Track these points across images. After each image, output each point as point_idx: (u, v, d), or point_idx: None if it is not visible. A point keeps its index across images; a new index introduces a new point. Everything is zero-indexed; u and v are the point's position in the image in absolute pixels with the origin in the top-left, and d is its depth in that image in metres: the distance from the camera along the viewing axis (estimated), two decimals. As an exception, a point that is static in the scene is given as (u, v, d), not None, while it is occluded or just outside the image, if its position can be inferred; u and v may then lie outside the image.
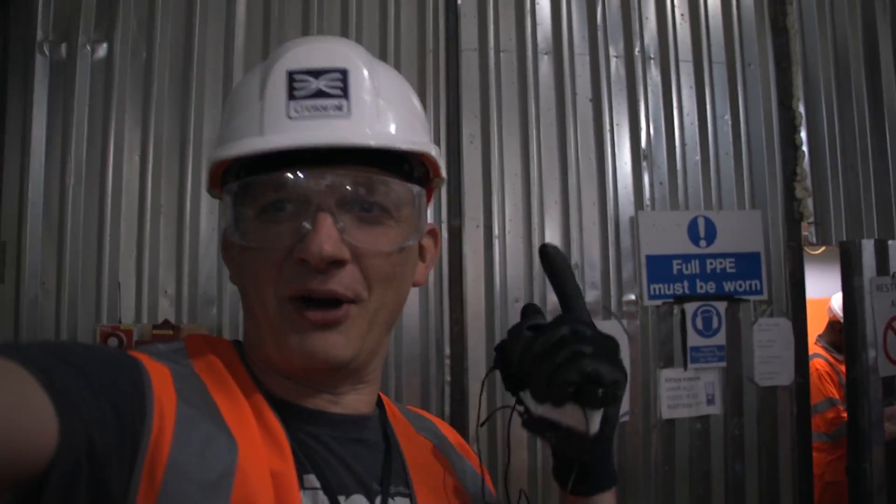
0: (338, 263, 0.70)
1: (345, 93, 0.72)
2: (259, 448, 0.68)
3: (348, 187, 0.71)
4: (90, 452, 0.57)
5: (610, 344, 0.73)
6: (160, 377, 0.68)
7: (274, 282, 0.72)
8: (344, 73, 0.73)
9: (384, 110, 0.74)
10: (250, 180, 0.72)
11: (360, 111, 0.72)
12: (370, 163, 0.73)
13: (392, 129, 0.74)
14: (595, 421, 0.71)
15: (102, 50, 2.68)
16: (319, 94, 0.72)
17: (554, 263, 0.80)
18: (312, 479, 0.71)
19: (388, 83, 0.76)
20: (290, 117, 0.71)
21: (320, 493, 0.70)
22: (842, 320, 4.16)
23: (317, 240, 0.69)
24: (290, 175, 0.70)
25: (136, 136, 2.66)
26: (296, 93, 0.72)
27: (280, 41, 2.76)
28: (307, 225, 0.70)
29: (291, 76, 0.72)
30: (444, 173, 0.81)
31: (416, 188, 0.76)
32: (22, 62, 2.62)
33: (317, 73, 0.72)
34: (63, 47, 2.65)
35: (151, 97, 2.69)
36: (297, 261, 0.70)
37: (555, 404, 0.72)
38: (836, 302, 4.32)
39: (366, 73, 0.74)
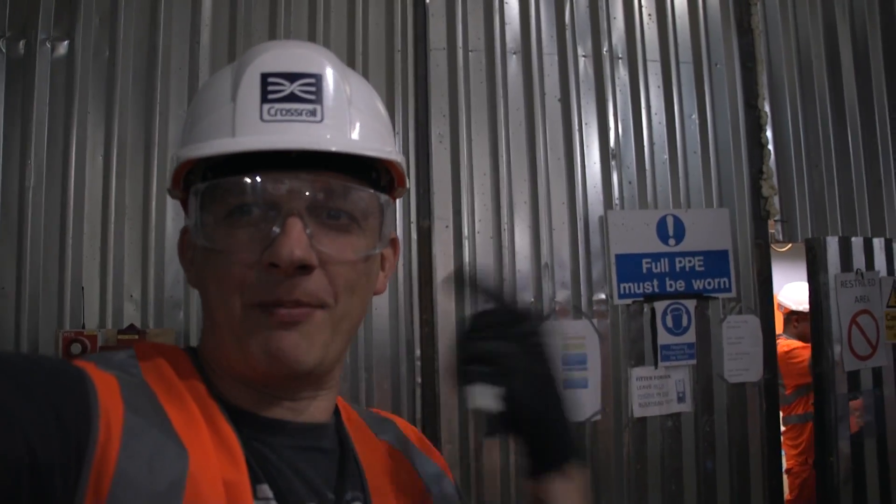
0: (306, 269, 0.70)
1: (318, 98, 0.72)
2: (211, 457, 0.66)
3: (319, 193, 0.71)
4: (32, 465, 0.56)
5: (513, 322, 0.81)
6: (106, 387, 0.66)
7: (240, 287, 0.71)
8: (318, 79, 0.73)
9: (355, 118, 0.74)
10: (220, 182, 0.71)
11: (332, 117, 0.72)
12: (340, 170, 0.73)
13: (363, 136, 0.74)
14: (476, 396, 0.77)
15: (63, 48, 2.62)
16: (293, 97, 0.71)
17: (465, 281, 0.90)
18: (266, 490, 0.70)
19: (359, 91, 0.77)
20: (262, 119, 0.70)
21: (273, 503, 0.70)
22: (793, 309, 4.30)
23: (287, 244, 0.68)
24: (261, 178, 0.70)
25: (99, 136, 2.61)
26: (269, 95, 0.71)
27: (247, 40, 2.73)
28: (276, 229, 0.69)
29: (265, 78, 0.72)
30: (408, 183, 0.82)
31: (383, 197, 0.76)
32: (-23, 60, 2.56)
33: (291, 77, 0.72)
34: (21, 44, 2.59)
35: (115, 96, 2.64)
36: (265, 265, 0.69)
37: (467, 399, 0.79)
38: (785, 294, 4.42)
39: (339, 80, 0.74)
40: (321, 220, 0.72)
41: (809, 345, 4.22)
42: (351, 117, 0.73)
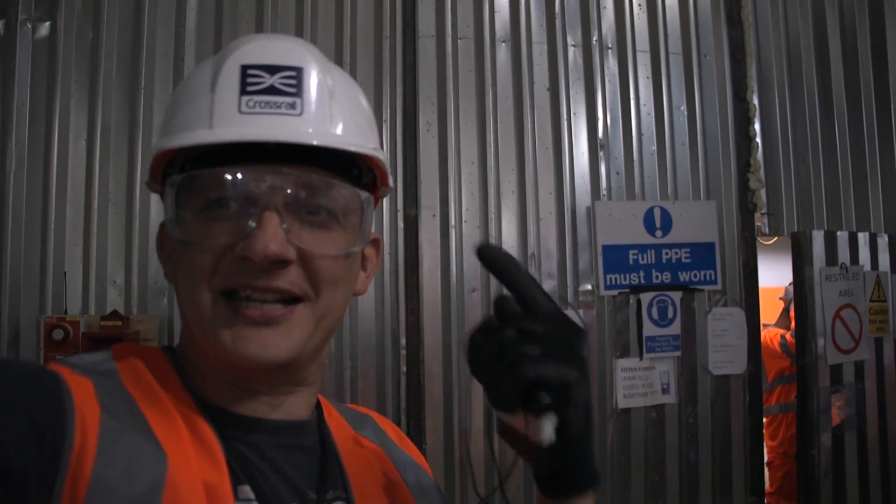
0: (282, 263, 0.69)
1: (298, 91, 0.70)
2: (191, 460, 0.65)
3: (297, 188, 0.70)
4: (6, 471, 0.55)
5: (566, 338, 0.67)
6: (82, 391, 0.65)
7: (209, 277, 0.69)
8: (298, 72, 0.71)
9: (336, 112, 0.73)
10: (195, 174, 0.70)
11: (312, 111, 0.71)
12: (320, 164, 0.71)
13: (344, 131, 0.73)
14: (547, 429, 0.66)
15: (45, 29, 2.58)
16: (272, 90, 0.70)
17: (495, 261, 0.70)
18: (247, 490, 0.69)
19: (341, 86, 0.75)
20: (241, 112, 0.69)
21: (255, 503, 0.69)
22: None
23: (262, 238, 0.67)
24: (237, 171, 0.68)
25: (82, 119, 2.58)
26: (249, 88, 0.70)
27: (233, 24, 2.70)
28: (252, 223, 0.68)
29: (245, 70, 0.70)
30: (391, 182, 0.80)
31: (364, 194, 0.75)
32: (-44, 40, 2.52)
33: (271, 70, 0.70)
34: (0, 24, 2.54)
35: (98, 79, 2.60)
36: (238, 258, 0.68)
37: (506, 412, 0.68)
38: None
39: (320, 73, 0.73)
40: (300, 216, 0.70)
41: (780, 329, 4.29)
42: (332, 112, 0.72)
